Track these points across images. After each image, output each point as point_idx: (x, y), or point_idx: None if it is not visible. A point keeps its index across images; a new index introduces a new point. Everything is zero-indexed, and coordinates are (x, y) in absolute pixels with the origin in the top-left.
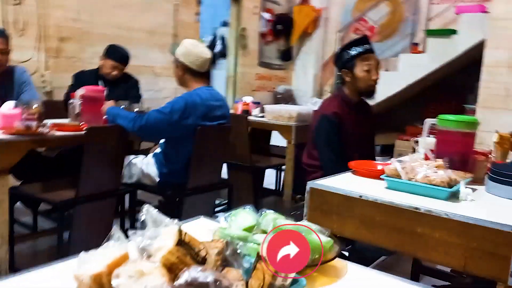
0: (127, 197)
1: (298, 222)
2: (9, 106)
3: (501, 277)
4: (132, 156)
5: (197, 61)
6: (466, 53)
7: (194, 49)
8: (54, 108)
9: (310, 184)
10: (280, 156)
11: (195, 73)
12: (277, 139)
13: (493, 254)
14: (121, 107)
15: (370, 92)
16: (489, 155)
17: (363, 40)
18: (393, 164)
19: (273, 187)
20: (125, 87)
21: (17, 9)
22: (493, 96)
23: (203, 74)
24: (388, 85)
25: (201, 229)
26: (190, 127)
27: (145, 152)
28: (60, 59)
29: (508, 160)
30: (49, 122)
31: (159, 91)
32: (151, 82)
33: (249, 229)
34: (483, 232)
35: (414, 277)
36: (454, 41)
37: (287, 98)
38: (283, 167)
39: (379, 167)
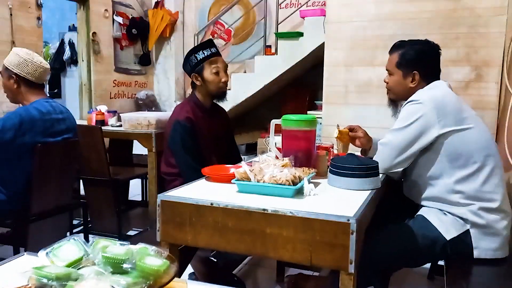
0: None
1: (135, 246)
2: None
3: (342, 266)
4: None
5: (34, 72)
6: (312, 54)
7: (30, 58)
8: None
9: (161, 197)
10: (144, 166)
11: (32, 85)
12: (140, 148)
13: (334, 245)
14: None
15: (222, 94)
16: (331, 149)
17: (209, 43)
18: (243, 167)
19: (139, 198)
20: None
21: None
22: (335, 93)
23: (40, 86)
24: (247, 86)
25: (20, 271)
26: (28, 146)
27: None
28: None
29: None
30: None
31: None
32: None
33: (75, 263)
34: (323, 225)
35: (280, 270)
36: (301, 43)
37: (149, 103)
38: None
39: (231, 171)
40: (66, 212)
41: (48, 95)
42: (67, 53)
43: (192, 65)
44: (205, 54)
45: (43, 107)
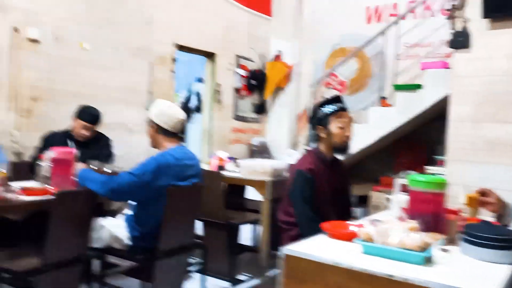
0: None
1: None
2: None
3: None
4: (100, 218)
5: (170, 122)
6: (432, 107)
7: (168, 110)
8: (23, 169)
9: (286, 251)
10: (256, 211)
11: (168, 133)
12: (252, 193)
13: None
14: (92, 168)
15: (344, 148)
16: (460, 213)
17: (337, 99)
18: (367, 227)
19: (249, 242)
20: (96, 146)
21: None
22: (460, 150)
23: (176, 134)
24: (360, 137)
25: None
26: (163, 188)
27: (112, 213)
28: (32, 119)
29: (479, 216)
30: (17, 185)
31: (132, 148)
32: (125, 139)
33: None
34: None
35: None
36: (420, 96)
37: (262, 150)
38: (259, 222)
39: (352, 228)
40: (188, 251)
41: (182, 142)
42: (193, 102)
43: (318, 118)
44: (332, 109)
45: (177, 154)
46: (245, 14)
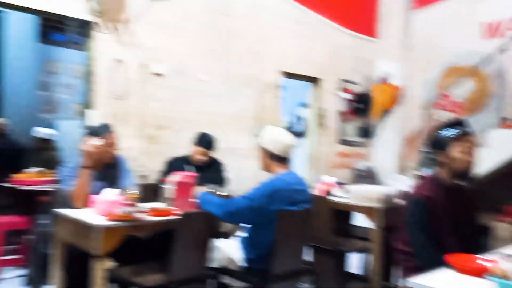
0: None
1: None
2: (111, 193)
3: None
4: (214, 239)
5: (281, 147)
6: None
7: (278, 136)
8: (149, 191)
9: (410, 283)
10: (364, 239)
11: (279, 159)
12: (359, 219)
13: None
14: (209, 191)
15: (465, 174)
16: None
17: (460, 122)
18: (502, 263)
19: (355, 270)
20: (211, 171)
21: (121, 103)
22: None
23: (285, 159)
24: (480, 162)
25: None
26: (275, 213)
27: (225, 235)
28: (156, 145)
29: None
30: (144, 206)
31: (241, 172)
32: (234, 164)
33: None
34: None
35: None
36: None
37: (368, 175)
38: (369, 250)
39: (481, 262)
40: (298, 276)
41: (290, 168)
42: (297, 127)
43: (438, 141)
44: (455, 132)
45: (287, 179)
46: (349, 37)
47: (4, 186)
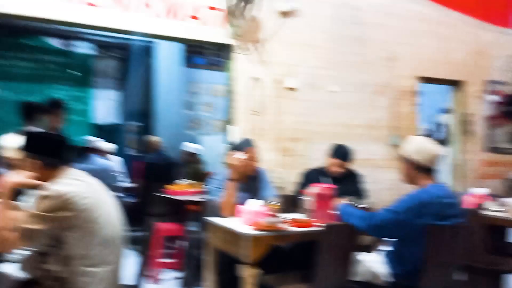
0: None
1: None
2: (256, 204)
3: None
4: (356, 253)
5: (428, 158)
6: None
7: (424, 146)
8: (286, 202)
9: None
10: None
11: (425, 170)
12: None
13: None
14: (350, 204)
15: None
16: None
17: None
18: None
19: None
20: (348, 182)
21: (258, 118)
22: None
23: (431, 170)
24: None
25: None
26: (423, 227)
27: (367, 249)
28: (290, 158)
29: None
30: (285, 216)
31: (377, 183)
32: (371, 175)
33: None
34: None
35: None
36: None
37: None
38: None
39: None
40: None
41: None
42: (438, 134)
43: None
44: None
45: (435, 191)
46: (495, 34)
47: (160, 196)
